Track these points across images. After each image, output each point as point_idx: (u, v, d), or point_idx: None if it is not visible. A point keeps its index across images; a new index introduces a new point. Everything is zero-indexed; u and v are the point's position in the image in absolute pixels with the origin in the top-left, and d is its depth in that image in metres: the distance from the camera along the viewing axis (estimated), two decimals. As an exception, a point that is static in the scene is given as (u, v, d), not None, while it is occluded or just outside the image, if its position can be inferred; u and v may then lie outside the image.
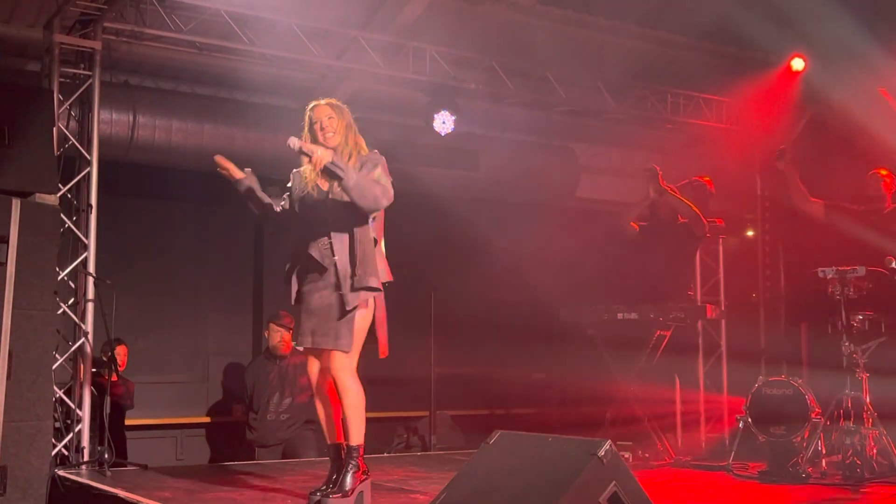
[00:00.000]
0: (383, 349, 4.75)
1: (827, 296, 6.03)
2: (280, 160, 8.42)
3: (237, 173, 4.90)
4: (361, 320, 4.60)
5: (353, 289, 4.54)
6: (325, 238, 4.64)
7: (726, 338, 8.55)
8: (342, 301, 4.55)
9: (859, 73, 8.22)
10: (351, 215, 4.60)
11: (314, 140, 4.76)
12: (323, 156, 4.53)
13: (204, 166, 8.46)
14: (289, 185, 4.95)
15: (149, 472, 6.19)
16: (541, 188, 9.84)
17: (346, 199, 4.58)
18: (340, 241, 4.60)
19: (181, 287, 9.27)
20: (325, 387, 4.70)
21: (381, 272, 4.66)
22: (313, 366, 4.74)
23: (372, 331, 4.69)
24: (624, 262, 7.39)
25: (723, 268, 8.71)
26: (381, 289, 4.64)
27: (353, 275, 4.55)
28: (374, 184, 4.54)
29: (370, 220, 4.65)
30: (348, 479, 4.55)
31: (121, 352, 7.92)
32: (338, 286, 4.56)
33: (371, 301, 4.62)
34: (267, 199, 4.91)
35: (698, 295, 8.35)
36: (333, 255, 4.60)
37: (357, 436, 4.59)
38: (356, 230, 4.61)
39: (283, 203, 4.90)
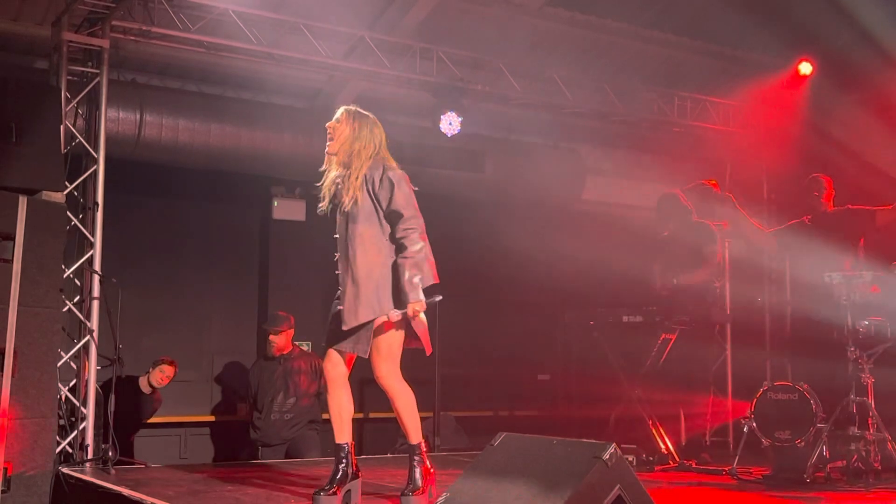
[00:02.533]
0: (427, 347, 4.74)
1: (833, 301, 6.01)
2: (286, 160, 8.52)
3: None
4: (387, 327, 4.61)
5: (366, 306, 4.58)
6: (350, 250, 4.66)
7: (731, 342, 8.54)
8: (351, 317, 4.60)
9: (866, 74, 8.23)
10: (371, 233, 4.63)
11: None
12: (419, 308, 4.57)
13: (210, 165, 8.54)
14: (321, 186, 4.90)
15: (152, 471, 6.19)
16: (547, 190, 9.84)
17: (363, 216, 4.62)
18: (344, 257, 4.66)
19: (186, 286, 9.28)
20: (342, 381, 4.71)
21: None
22: (331, 358, 4.72)
23: (412, 331, 4.69)
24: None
25: (728, 272, 8.69)
26: (397, 311, 4.61)
27: (369, 293, 4.57)
28: (423, 266, 4.58)
29: (383, 235, 4.65)
30: (417, 475, 4.63)
31: (167, 371, 7.93)
32: (355, 297, 4.59)
33: (397, 311, 4.62)
34: None
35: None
36: (337, 270, 4.67)
37: (415, 435, 4.68)
38: (377, 248, 4.63)
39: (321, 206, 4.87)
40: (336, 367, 4.70)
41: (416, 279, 4.55)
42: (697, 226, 7.22)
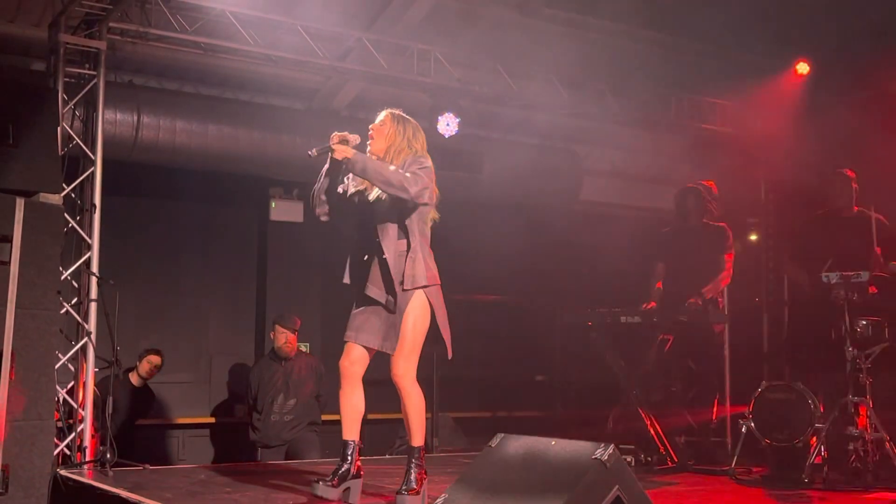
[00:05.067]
0: (449, 350, 4.78)
1: (831, 300, 6.02)
2: (284, 161, 8.51)
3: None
4: (414, 323, 4.63)
5: (403, 291, 4.60)
6: (376, 238, 4.68)
7: (729, 342, 8.53)
8: (390, 303, 4.61)
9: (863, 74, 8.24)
10: (399, 218, 4.66)
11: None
12: (337, 142, 4.61)
13: (208, 167, 8.54)
14: (347, 175, 4.90)
15: (150, 473, 6.19)
16: (544, 191, 9.84)
17: (389, 208, 4.65)
18: (388, 243, 4.64)
19: (184, 287, 9.28)
20: (357, 379, 4.72)
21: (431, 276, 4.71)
22: (350, 354, 4.72)
23: (436, 333, 4.72)
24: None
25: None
26: (428, 285, 4.64)
27: (402, 279, 4.60)
28: (384, 167, 4.58)
29: (418, 224, 4.68)
30: (413, 477, 4.65)
31: (153, 360, 8.02)
32: (387, 288, 4.61)
33: (426, 305, 4.65)
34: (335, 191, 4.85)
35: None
36: (383, 255, 4.64)
37: (418, 438, 4.70)
38: (404, 234, 4.66)
39: (343, 187, 4.85)
40: (354, 365, 4.70)
41: (365, 165, 4.55)
42: (708, 228, 7.21)
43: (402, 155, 4.74)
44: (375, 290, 4.65)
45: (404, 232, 4.66)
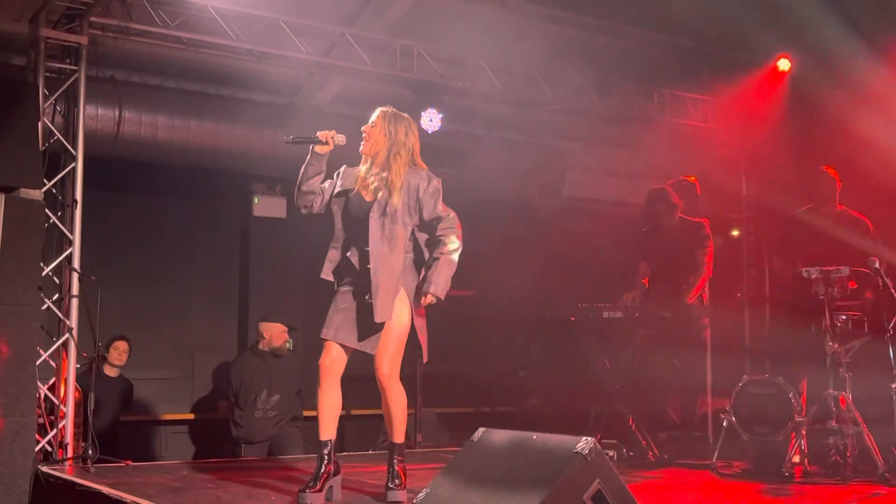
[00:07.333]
0: (425, 355, 4.86)
1: (811, 295, 6.05)
2: (267, 156, 8.49)
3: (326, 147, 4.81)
4: (399, 323, 4.68)
5: (386, 302, 4.63)
6: (364, 246, 4.70)
7: (710, 337, 8.57)
8: (373, 309, 4.63)
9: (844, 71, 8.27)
10: (391, 229, 4.69)
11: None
12: (432, 301, 4.79)
13: (190, 162, 8.51)
14: (337, 173, 4.92)
15: (132, 469, 6.17)
16: (527, 186, 9.85)
17: (389, 211, 4.68)
18: (378, 253, 4.66)
19: (166, 283, 9.25)
20: (337, 377, 4.72)
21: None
22: (330, 353, 4.72)
23: (413, 337, 4.77)
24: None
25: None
26: (413, 304, 4.74)
27: (388, 289, 4.63)
28: (449, 269, 4.81)
29: (409, 237, 4.77)
30: (397, 471, 4.72)
31: (119, 346, 8.00)
32: (370, 295, 4.62)
33: (408, 305, 4.71)
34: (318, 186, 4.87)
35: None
36: (368, 264, 4.66)
37: (400, 435, 4.78)
38: (395, 244, 4.69)
39: (323, 187, 4.87)
40: (335, 363, 4.70)
41: (444, 277, 4.77)
42: (685, 224, 7.25)
43: (400, 158, 4.78)
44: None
45: (408, 246, 4.76)
